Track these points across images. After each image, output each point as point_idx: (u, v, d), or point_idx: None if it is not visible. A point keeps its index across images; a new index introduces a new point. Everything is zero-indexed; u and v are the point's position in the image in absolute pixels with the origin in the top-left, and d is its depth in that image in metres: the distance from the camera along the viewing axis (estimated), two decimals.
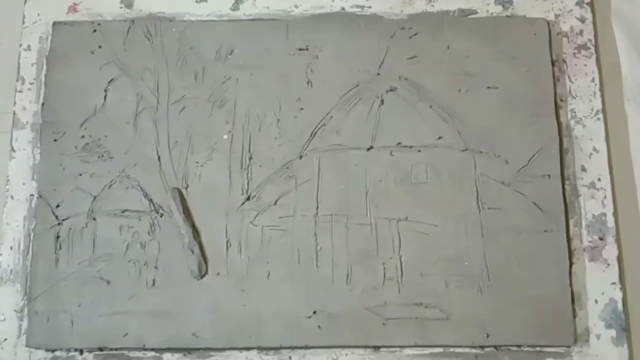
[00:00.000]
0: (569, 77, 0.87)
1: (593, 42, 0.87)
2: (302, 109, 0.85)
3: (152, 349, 0.79)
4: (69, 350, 0.80)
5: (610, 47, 0.88)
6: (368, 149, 0.84)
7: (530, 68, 0.85)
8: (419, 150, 0.83)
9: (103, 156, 0.85)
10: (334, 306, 0.79)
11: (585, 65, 0.87)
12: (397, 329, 0.78)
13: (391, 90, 0.85)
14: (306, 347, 0.79)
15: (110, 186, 0.84)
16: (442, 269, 0.80)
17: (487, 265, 0.79)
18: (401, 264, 0.80)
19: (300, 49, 0.87)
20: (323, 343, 0.79)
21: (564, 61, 0.87)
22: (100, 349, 0.80)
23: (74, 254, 0.82)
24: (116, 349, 0.80)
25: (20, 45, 0.90)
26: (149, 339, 0.79)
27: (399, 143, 0.83)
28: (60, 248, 0.82)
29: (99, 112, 0.86)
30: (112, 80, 0.87)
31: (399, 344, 0.78)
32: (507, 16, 0.88)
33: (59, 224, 0.82)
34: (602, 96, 0.86)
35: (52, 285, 0.81)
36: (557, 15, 0.89)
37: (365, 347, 0.79)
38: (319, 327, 0.79)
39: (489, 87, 0.85)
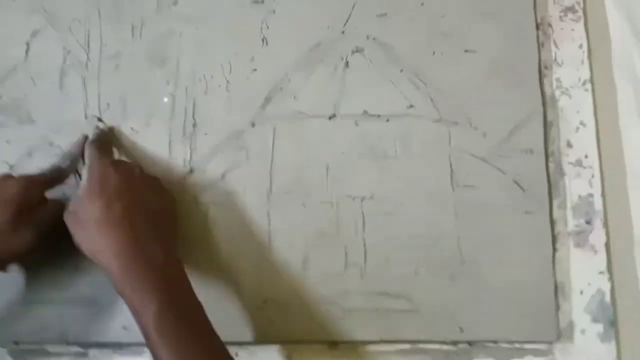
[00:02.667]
0: (554, 42, 0.75)
1: (581, 5, 0.76)
2: (255, 70, 0.72)
3: (76, 343, 0.66)
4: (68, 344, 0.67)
5: (598, 10, 0.76)
6: (330, 118, 0.71)
7: (512, 31, 0.74)
8: (387, 120, 0.71)
9: (22, 119, 0.70)
10: (288, 295, 0.67)
11: (573, 30, 0.75)
12: (358, 322, 0.66)
13: (357, 51, 0.73)
14: (255, 343, 0.66)
15: (30, 154, 0.70)
16: (411, 254, 0.68)
17: (461, 251, 0.68)
18: (365, 247, 0.68)
19: (255, 2, 0.74)
20: (275, 338, 0.67)
21: (549, 25, 0.75)
22: (16, 343, 0.66)
23: None
24: (34, 343, 0.66)
25: None
26: (71, 332, 0.66)
27: (365, 111, 0.71)
28: None
29: (19, 68, 0.72)
30: (35, 31, 0.73)
31: (361, 339, 0.67)
32: None
33: None
34: (590, 64, 0.74)
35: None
36: None
37: (322, 342, 0.67)
38: (270, 319, 0.66)
39: (466, 51, 0.73)
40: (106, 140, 0.68)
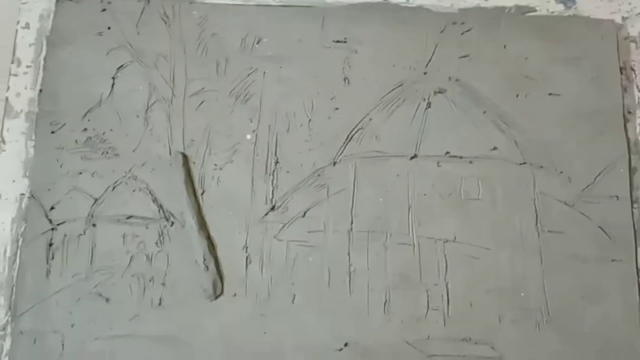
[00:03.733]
0: (637, 86, 0.73)
1: None
2: (337, 109, 0.71)
3: None
4: None
5: None
6: (411, 158, 0.70)
7: (595, 75, 0.72)
8: (470, 162, 0.69)
9: (107, 153, 0.70)
10: (368, 338, 0.65)
11: None
12: None
13: (439, 92, 0.72)
14: None
15: (114, 188, 0.69)
16: (495, 300, 0.66)
17: (547, 298, 0.66)
18: (447, 292, 0.66)
19: (337, 41, 0.74)
20: None
21: (632, 69, 0.74)
22: None
23: (69, 265, 0.67)
24: None
25: (18, 22, 0.75)
26: None
27: (447, 152, 0.70)
28: (52, 257, 0.67)
29: (105, 103, 0.72)
30: (121, 66, 0.73)
31: None
32: (570, 16, 0.75)
33: (52, 229, 0.68)
34: None
35: (41, 300, 0.66)
36: (624, 18, 0.75)
37: None
38: None
39: (550, 94, 0.72)
40: None
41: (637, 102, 0.73)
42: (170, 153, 0.70)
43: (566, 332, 0.65)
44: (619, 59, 0.73)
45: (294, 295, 0.66)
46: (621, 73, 0.73)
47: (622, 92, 0.72)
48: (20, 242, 0.68)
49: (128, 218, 0.68)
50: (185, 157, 0.69)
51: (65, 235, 0.68)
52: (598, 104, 0.71)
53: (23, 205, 0.70)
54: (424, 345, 0.65)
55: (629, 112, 0.72)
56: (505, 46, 0.73)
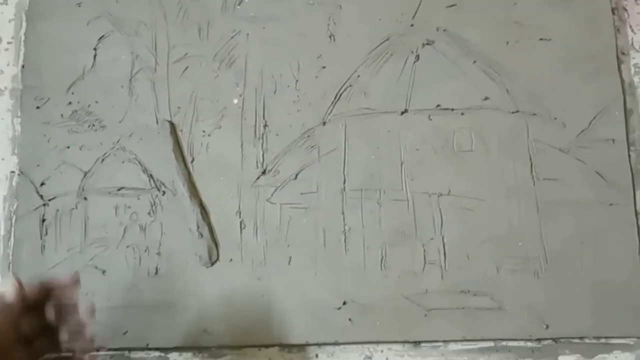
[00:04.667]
0: (630, 27, 0.71)
1: None
2: (324, 67, 0.70)
3: (157, 349, 0.65)
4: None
5: None
6: (402, 113, 0.68)
7: (587, 17, 0.70)
8: (462, 113, 0.68)
9: (94, 125, 0.69)
10: (366, 296, 0.65)
11: None
12: (440, 321, 0.64)
13: (428, 43, 0.70)
14: (335, 344, 0.64)
15: (103, 160, 0.68)
16: (492, 251, 0.65)
17: (544, 246, 0.65)
18: (444, 245, 0.65)
19: None
20: (355, 338, 0.64)
21: (625, 9, 0.71)
22: (97, 349, 0.65)
23: (63, 240, 0.67)
24: (115, 349, 0.65)
25: None
26: (152, 337, 0.65)
27: (438, 105, 0.68)
28: (46, 233, 0.67)
29: (88, 75, 0.70)
30: (102, 37, 0.71)
31: (444, 338, 0.64)
32: None
33: (44, 204, 0.67)
34: None
35: (38, 276, 0.65)
36: None
37: (405, 342, 0.64)
38: (349, 320, 0.64)
39: (541, 39, 0.69)
40: None
41: (630, 43, 0.71)
42: (157, 122, 0.68)
43: (565, 278, 0.64)
44: None
45: (290, 258, 0.66)
46: (613, 14, 0.71)
47: (614, 33, 0.70)
48: (13, 220, 0.68)
49: (119, 190, 0.67)
50: (172, 125, 0.68)
51: (58, 210, 0.67)
52: (590, 46, 0.69)
53: (13, 183, 0.69)
54: (422, 299, 0.64)
55: (623, 54, 0.70)
56: None
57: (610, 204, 0.65)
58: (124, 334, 0.65)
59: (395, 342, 0.64)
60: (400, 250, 0.65)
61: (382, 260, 0.65)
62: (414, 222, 0.66)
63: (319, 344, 0.64)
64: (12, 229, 0.68)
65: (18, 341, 0.50)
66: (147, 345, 0.64)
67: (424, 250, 0.65)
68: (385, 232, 0.66)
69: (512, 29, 0.69)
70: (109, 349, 0.65)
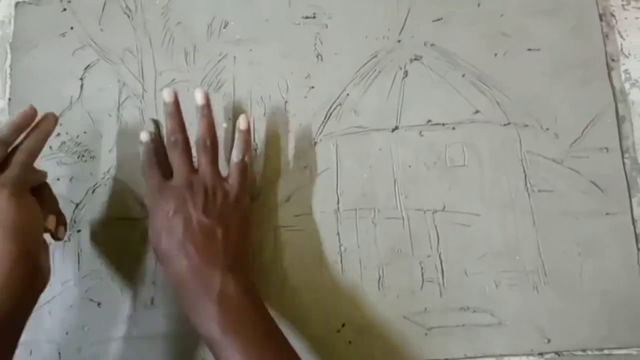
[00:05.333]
0: (619, 32, 0.71)
1: None
2: (312, 87, 0.69)
3: None
4: None
5: None
6: (393, 130, 0.68)
7: (574, 25, 0.69)
8: (453, 128, 0.67)
9: (83, 156, 0.69)
10: (365, 316, 0.64)
11: (637, 18, 0.71)
12: (441, 339, 0.63)
13: (416, 59, 0.69)
14: None
15: (94, 191, 0.68)
16: (490, 266, 0.64)
17: (542, 258, 0.64)
18: (441, 262, 0.65)
19: (307, 17, 0.71)
20: None
21: (612, 15, 0.71)
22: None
23: (57, 273, 0.66)
24: None
25: None
26: None
27: (429, 121, 0.68)
28: None
29: (75, 105, 0.70)
30: (88, 66, 0.71)
31: (445, 356, 0.63)
32: None
33: None
34: None
35: (33, 311, 0.65)
36: None
37: None
38: (349, 342, 0.64)
39: (529, 49, 0.69)
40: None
41: (620, 49, 0.70)
42: None
43: (565, 291, 0.63)
44: (598, 5, 0.70)
45: (286, 281, 0.65)
46: (601, 20, 0.70)
47: (603, 40, 0.69)
48: None
49: (112, 220, 0.66)
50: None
51: (50, 244, 0.66)
52: (579, 54, 0.68)
53: None
54: (422, 318, 0.63)
55: (612, 60, 0.69)
56: (479, 4, 0.70)
57: (607, 213, 0.65)
58: None
59: None
60: (397, 269, 0.65)
61: (379, 280, 0.64)
62: (409, 240, 0.65)
63: None
64: None
65: None
66: None
67: (422, 268, 0.65)
68: (382, 251, 0.65)
69: (499, 41, 0.69)
70: None
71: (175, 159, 0.59)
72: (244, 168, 0.61)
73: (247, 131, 0.62)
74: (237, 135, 0.62)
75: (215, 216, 0.56)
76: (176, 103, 0.60)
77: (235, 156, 0.61)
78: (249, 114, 0.68)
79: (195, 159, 0.61)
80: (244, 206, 0.60)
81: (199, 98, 0.61)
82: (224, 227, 0.56)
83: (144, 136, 0.61)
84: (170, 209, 0.56)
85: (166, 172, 0.60)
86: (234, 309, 0.53)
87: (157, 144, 0.62)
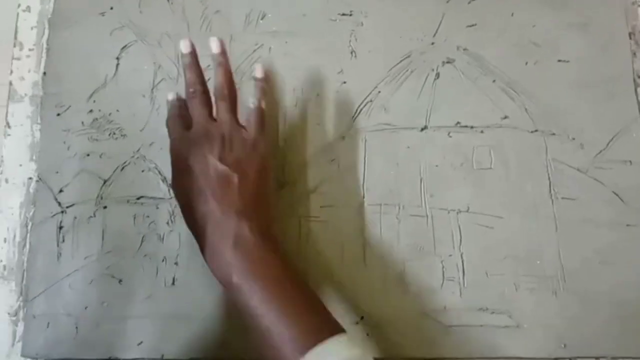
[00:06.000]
0: None
1: None
2: (344, 82, 0.70)
3: None
4: None
5: None
6: (422, 129, 0.69)
7: (604, 41, 0.71)
8: (482, 131, 0.68)
9: (114, 134, 0.69)
10: (385, 311, 0.64)
11: None
12: (458, 339, 0.64)
13: (448, 62, 0.70)
14: None
15: (122, 169, 0.68)
16: (511, 269, 0.65)
17: (563, 264, 0.65)
18: (462, 262, 0.65)
19: (343, 14, 0.72)
20: (373, 353, 0.64)
21: None
22: (110, 359, 0.64)
23: (80, 248, 0.66)
24: None
25: (19, 5, 0.74)
26: (167, 348, 0.64)
27: (457, 123, 0.69)
28: (63, 240, 0.66)
29: (110, 83, 0.70)
30: (125, 46, 0.71)
31: (462, 355, 0.64)
32: None
33: (62, 212, 0.67)
34: None
35: (53, 284, 0.65)
36: None
37: (423, 359, 0.64)
38: (367, 335, 0.64)
39: (559, 61, 0.70)
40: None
41: None
42: None
43: (583, 298, 0.64)
44: (628, 24, 0.72)
45: (308, 271, 0.65)
46: (630, 38, 0.72)
47: (631, 57, 0.71)
48: (29, 227, 0.67)
49: (138, 199, 0.67)
50: None
51: (75, 218, 0.67)
52: (607, 69, 0.70)
53: (31, 190, 0.68)
54: (441, 315, 0.64)
55: (639, 77, 0.71)
56: (512, 14, 0.72)
57: (628, 225, 0.66)
58: (139, 344, 0.64)
59: (414, 358, 0.64)
60: (418, 265, 0.65)
61: (400, 275, 0.65)
62: (432, 238, 0.66)
63: None
64: (28, 235, 0.67)
65: None
66: (162, 356, 0.63)
67: (443, 267, 0.65)
68: (404, 248, 0.66)
69: (530, 50, 0.70)
70: None
71: (194, 109, 0.60)
72: (261, 114, 0.62)
73: (263, 79, 0.64)
74: (254, 83, 0.63)
75: (232, 163, 0.57)
76: (193, 54, 0.62)
77: (252, 102, 0.62)
78: (283, 106, 0.69)
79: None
80: (262, 152, 0.59)
81: (214, 46, 0.61)
82: (241, 173, 0.57)
83: (171, 95, 0.63)
84: (188, 157, 0.57)
85: (187, 124, 0.61)
86: (250, 254, 0.54)
87: (181, 102, 0.63)
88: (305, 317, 0.52)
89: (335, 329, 0.51)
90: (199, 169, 0.56)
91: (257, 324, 0.51)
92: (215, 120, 0.60)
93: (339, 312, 0.64)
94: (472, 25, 0.71)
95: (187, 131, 0.60)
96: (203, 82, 0.61)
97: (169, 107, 0.63)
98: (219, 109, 0.60)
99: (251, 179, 0.57)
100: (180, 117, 0.61)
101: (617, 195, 0.66)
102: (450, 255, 0.65)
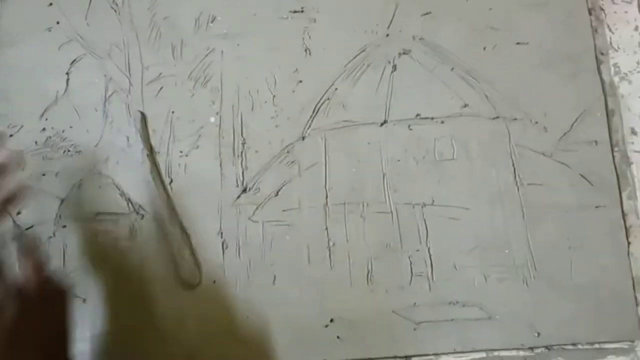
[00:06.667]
0: (608, 26, 0.71)
1: None
2: (300, 81, 0.69)
3: None
4: None
5: None
6: (382, 124, 0.67)
7: (563, 19, 0.69)
8: (442, 122, 0.67)
9: (69, 151, 0.68)
10: (354, 311, 0.63)
11: (626, 12, 0.71)
12: (431, 334, 0.63)
13: (404, 53, 0.69)
14: None
15: (79, 186, 0.67)
16: (479, 260, 0.64)
17: (532, 252, 0.64)
18: (430, 256, 0.64)
19: (295, 11, 0.71)
20: (344, 356, 0.63)
21: (602, 9, 0.71)
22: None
23: None
24: None
25: None
26: None
27: (417, 115, 0.67)
28: None
29: (62, 99, 0.69)
30: (74, 60, 0.70)
31: (435, 351, 0.63)
32: None
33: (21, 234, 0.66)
34: None
35: None
36: None
37: (395, 357, 0.63)
38: (338, 337, 0.63)
39: (517, 43, 0.69)
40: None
41: (609, 43, 0.70)
42: (128, 144, 0.67)
43: (555, 284, 0.63)
44: (587, 0, 0.70)
45: (275, 276, 0.64)
46: (590, 14, 0.70)
47: (592, 34, 0.69)
48: None
49: (97, 215, 0.66)
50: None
51: None
52: (568, 48, 0.68)
53: None
54: (411, 312, 0.63)
55: (602, 54, 0.70)
56: None
57: (597, 207, 0.65)
58: None
59: (386, 357, 0.63)
60: (386, 263, 0.64)
61: (368, 274, 0.64)
62: (399, 234, 0.65)
63: None
64: None
65: None
66: None
67: (411, 263, 0.64)
68: (371, 246, 0.65)
69: (488, 35, 0.69)
70: None
71: None
72: None
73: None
74: None
75: None
76: None
77: None
78: (238, 109, 0.68)
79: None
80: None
81: None
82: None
83: None
84: None
85: None
86: None
87: None
88: None
89: None
90: None
91: None
92: None
93: (308, 315, 0.63)
94: (427, 14, 0.69)
95: None
96: None
97: None
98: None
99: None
100: None
101: (584, 177, 0.65)
102: (418, 250, 0.64)
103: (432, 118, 0.67)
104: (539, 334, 0.62)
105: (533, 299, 0.63)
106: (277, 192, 0.66)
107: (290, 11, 0.70)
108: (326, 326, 0.63)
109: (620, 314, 0.63)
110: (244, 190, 0.66)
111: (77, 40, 0.70)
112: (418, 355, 0.63)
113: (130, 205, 0.66)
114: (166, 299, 0.63)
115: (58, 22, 0.71)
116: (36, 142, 0.68)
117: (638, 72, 0.69)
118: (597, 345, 0.63)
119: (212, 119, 0.68)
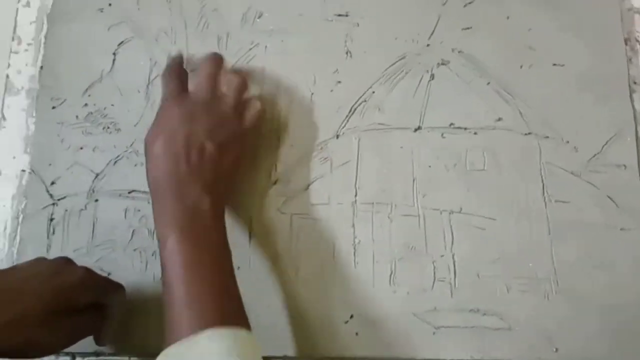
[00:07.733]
0: None
1: None
2: (339, 82, 0.71)
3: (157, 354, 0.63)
4: (58, 354, 0.63)
5: None
6: (415, 130, 0.69)
7: (599, 45, 0.71)
8: (475, 133, 0.68)
9: (108, 128, 0.69)
10: (374, 310, 0.64)
11: None
12: (449, 339, 0.63)
13: (443, 63, 0.71)
14: (341, 358, 0.63)
15: (115, 162, 0.68)
16: (502, 270, 0.65)
17: (555, 267, 0.64)
18: (454, 262, 0.65)
19: (339, 15, 0.73)
20: (361, 353, 0.63)
21: (637, 40, 0.73)
22: (96, 354, 0.64)
23: (70, 240, 0.66)
24: (114, 354, 0.64)
25: (19, 1, 0.75)
26: (155, 344, 0.63)
27: (451, 124, 0.69)
28: (53, 232, 0.66)
29: (106, 78, 0.71)
30: (122, 42, 0.72)
31: (452, 357, 0.63)
32: None
33: (53, 204, 0.67)
34: None
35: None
36: None
37: (412, 359, 0.63)
38: (356, 334, 0.63)
39: (554, 64, 0.71)
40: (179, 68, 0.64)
41: None
42: None
43: (576, 302, 0.63)
44: (623, 29, 0.72)
45: (298, 269, 0.65)
46: (625, 44, 0.72)
47: (627, 63, 0.71)
48: (20, 219, 0.67)
49: (130, 192, 0.67)
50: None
51: (66, 210, 0.67)
52: (603, 74, 0.70)
53: (23, 182, 0.69)
54: (431, 316, 0.63)
55: (635, 83, 0.71)
56: (508, 17, 0.72)
57: (622, 229, 0.65)
58: (126, 339, 0.63)
59: (402, 358, 0.63)
60: (410, 266, 0.65)
61: (391, 275, 0.65)
62: (424, 238, 0.66)
63: (323, 357, 0.63)
64: (19, 227, 0.67)
65: (66, 308, 0.52)
66: (149, 351, 0.63)
67: (434, 267, 0.65)
68: (395, 247, 0.65)
69: (526, 54, 0.71)
70: (109, 354, 0.63)
71: (201, 75, 0.62)
72: (260, 111, 0.64)
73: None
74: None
75: (218, 142, 0.58)
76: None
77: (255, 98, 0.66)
78: (277, 104, 0.69)
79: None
80: (245, 147, 0.63)
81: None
82: (221, 154, 0.58)
83: (175, 52, 0.67)
84: (177, 117, 0.58)
85: (184, 85, 0.62)
86: (195, 225, 0.54)
87: (182, 61, 0.65)
88: (210, 304, 0.52)
89: (235, 321, 0.52)
90: (184, 133, 0.57)
91: (167, 291, 0.52)
92: (216, 95, 0.61)
93: (329, 309, 0.64)
94: (468, 28, 0.71)
95: (185, 92, 0.61)
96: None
97: (169, 61, 0.64)
98: (230, 83, 0.62)
99: (227, 164, 0.59)
100: (179, 73, 0.63)
101: (611, 199, 0.66)
102: (442, 256, 0.65)
103: (466, 128, 0.68)
104: (556, 350, 0.62)
105: (553, 314, 0.63)
106: (308, 187, 0.67)
107: (336, 14, 0.72)
108: (346, 322, 0.63)
109: (637, 336, 0.63)
110: (275, 182, 0.67)
111: (126, 23, 0.72)
112: (435, 359, 0.63)
113: None
114: None
115: (110, 4, 0.73)
116: (77, 117, 0.69)
117: None
118: None
119: None
